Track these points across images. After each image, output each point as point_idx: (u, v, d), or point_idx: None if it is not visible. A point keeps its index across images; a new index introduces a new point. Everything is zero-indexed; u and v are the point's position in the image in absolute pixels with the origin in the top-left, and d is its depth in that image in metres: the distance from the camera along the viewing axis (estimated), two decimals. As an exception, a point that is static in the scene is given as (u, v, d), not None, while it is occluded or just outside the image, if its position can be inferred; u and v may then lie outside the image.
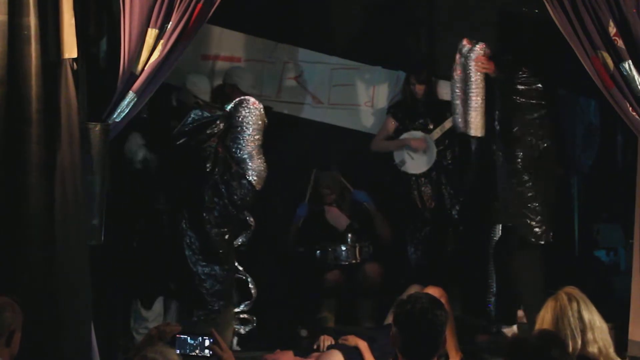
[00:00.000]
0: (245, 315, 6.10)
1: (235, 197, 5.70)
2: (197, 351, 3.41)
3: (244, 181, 5.69)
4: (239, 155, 5.76)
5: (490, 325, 6.24)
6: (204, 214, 5.65)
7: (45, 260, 4.23)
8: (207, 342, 3.41)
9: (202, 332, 3.46)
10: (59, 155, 4.27)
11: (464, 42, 5.83)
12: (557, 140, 6.40)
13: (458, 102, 5.85)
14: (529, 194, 5.66)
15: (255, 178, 5.77)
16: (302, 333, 6.29)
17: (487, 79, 5.74)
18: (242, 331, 6.04)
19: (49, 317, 4.20)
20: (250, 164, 5.77)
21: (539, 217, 5.66)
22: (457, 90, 5.85)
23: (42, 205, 4.24)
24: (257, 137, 5.80)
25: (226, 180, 5.67)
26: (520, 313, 6.05)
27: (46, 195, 4.24)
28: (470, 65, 5.70)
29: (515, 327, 6.01)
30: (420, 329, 3.29)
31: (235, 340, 5.95)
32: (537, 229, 5.66)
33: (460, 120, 5.87)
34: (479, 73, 5.69)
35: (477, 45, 5.73)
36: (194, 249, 5.69)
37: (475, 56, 5.69)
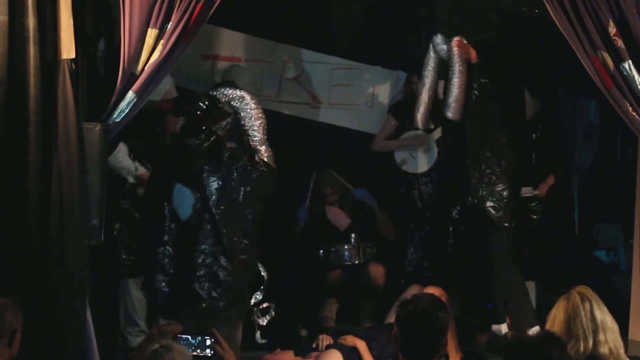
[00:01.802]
0: (264, 305, 5.92)
1: (262, 186, 5.66)
2: (198, 350, 3.41)
3: (263, 167, 5.68)
4: (251, 146, 5.75)
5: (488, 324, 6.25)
6: (241, 210, 5.57)
7: (42, 261, 4.21)
8: (208, 342, 3.41)
9: (203, 332, 3.46)
10: (57, 156, 4.25)
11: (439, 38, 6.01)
12: (552, 139, 6.47)
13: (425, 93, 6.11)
14: (494, 177, 5.79)
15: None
16: (302, 333, 6.29)
17: (468, 65, 5.84)
18: (262, 322, 5.89)
19: (46, 317, 4.18)
20: (261, 152, 5.77)
21: (500, 201, 5.78)
22: (427, 82, 6.09)
23: (39, 206, 4.22)
24: (262, 127, 5.77)
25: (249, 170, 5.64)
26: None
27: (44, 196, 4.22)
28: (453, 52, 5.81)
29: (504, 326, 6.02)
30: (421, 330, 3.29)
31: (258, 334, 5.86)
32: (498, 212, 5.78)
33: (422, 110, 6.11)
34: (461, 59, 5.80)
35: (456, 37, 5.86)
36: (219, 248, 5.53)
37: (457, 43, 5.81)
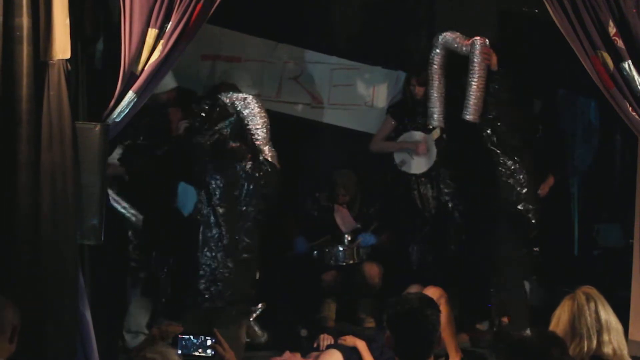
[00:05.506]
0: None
1: (265, 185, 5.66)
2: (199, 351, 3.41)
3: (266, 167, 5.68)
4: (254, 145, 5.76)
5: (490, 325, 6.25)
6: (243, 208, 5.60)
7: (32, 261, 4.20)
8: (209, 342, 3.42)
9: (204, 332, 3.47)
10: (50, 155, 4.24)
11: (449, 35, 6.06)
12: (552, 139, 6.48)
13: (434, 92, 6.13)
14: (522, 181, 5.89)
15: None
16: (303, 333, 6.29)
17: (488, 71, 5.89)
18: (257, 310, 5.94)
19: (38, 315, 4.16)
20: (264, 151, 5.77)
21: (531, 205, 5.88)
22: (436, 80, 6.13)
23: (30, 205, 4.21)
24: (265, 127, 5.78)
25: (252, 168, 5.64)
26: None
27: (35, 195, 4.21)
28: (475, 55, 5.84)
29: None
30: (411, 330, 3.31)
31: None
32: (529, 216, 5.86)
33: (437, 110, 6.13)
34: (482, 64, 5.84)
35: (479, 38, 5.89)
36: (220, 247, 5.57)
37: (480, 46, 5.85)
